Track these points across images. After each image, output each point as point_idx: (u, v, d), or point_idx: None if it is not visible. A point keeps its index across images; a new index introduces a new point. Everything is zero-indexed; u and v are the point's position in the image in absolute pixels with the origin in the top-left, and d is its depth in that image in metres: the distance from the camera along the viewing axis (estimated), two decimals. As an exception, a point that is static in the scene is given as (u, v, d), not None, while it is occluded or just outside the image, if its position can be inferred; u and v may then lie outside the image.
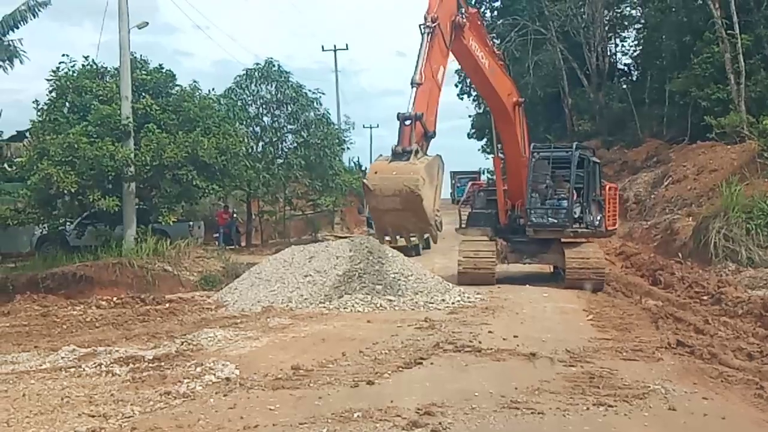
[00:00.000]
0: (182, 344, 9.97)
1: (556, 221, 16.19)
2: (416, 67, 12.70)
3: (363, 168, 61.43)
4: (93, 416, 6.61)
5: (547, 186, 16.40)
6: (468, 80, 39.37)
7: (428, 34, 12.84)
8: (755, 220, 15.76)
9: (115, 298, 16.07)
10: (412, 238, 13.00)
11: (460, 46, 14.25)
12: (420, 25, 12.91)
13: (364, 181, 12.47)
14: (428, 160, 12.12)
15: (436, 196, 12.29)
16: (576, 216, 16.09)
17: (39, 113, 20.98)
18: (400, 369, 8.22)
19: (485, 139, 53.85)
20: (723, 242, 15.78)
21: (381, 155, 12.53)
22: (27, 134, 23.52)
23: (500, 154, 19.88)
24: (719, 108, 25.24)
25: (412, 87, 12.39)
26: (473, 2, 44.18)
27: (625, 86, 38.34)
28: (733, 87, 24.92)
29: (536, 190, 16.47)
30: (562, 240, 16.30)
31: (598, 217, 16.42)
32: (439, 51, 13.19)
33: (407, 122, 12.13)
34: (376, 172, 12.23)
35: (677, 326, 10.73)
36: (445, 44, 13.37)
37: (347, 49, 51.42)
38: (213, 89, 25.31)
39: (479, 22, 16.04)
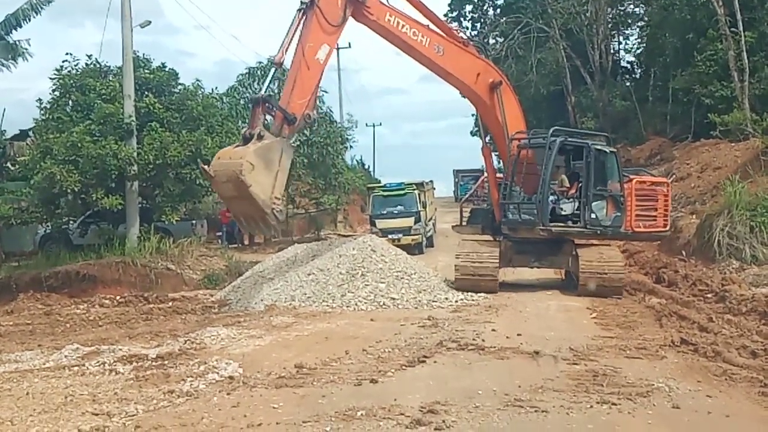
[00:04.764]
0: (185, 343, 10.01)
1: (530, 218, 14.41)
2: (279, 46, 12.03)
3: (366, 167, 61.38)
4: (96, 415, 6.63)
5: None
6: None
7: (300, 11, 12.27)
8: (759, 217, 15.66)
9: (118, 297, 16.15)
10: (265, 230, 12.46)
11: (368, 21, 13.30)
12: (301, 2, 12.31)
13: (204, 167, 11.95)
14: (264, 144, 11.40)
15: (275, 183, 11.51)
16: (565, 213, 14.52)
17: (42, 112, 20.97)
18: (404, 367, 8.22)
19: (488, 136, 53.54)
20: (727, 240, 15.67)
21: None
22: (30, 133, 23.63)
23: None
24: (723, 105, 25.10)
25: (272, 67, 11.83)
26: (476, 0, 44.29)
27: (628, 84, 38.22)
28: (737, 84, 24.79)
29: (519, 183, 14.99)
30: (576, 241, 14.78)
31: (612, 216, 14.58)
32: (319, 29, 12.37)
33: (258, 105, 11.69)
34: (219, 158, 11.75)
35: (681, 324, 10.71)
36: (327, 21, 12.48)
37: (350, 47, 50.97)
38: (216, 88, 25.38)
39: None
